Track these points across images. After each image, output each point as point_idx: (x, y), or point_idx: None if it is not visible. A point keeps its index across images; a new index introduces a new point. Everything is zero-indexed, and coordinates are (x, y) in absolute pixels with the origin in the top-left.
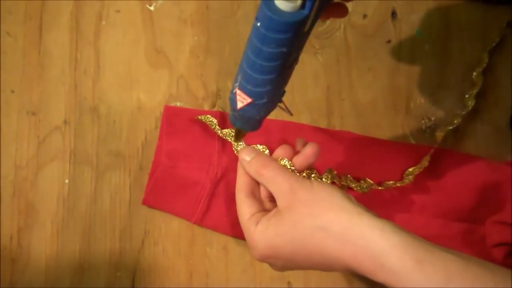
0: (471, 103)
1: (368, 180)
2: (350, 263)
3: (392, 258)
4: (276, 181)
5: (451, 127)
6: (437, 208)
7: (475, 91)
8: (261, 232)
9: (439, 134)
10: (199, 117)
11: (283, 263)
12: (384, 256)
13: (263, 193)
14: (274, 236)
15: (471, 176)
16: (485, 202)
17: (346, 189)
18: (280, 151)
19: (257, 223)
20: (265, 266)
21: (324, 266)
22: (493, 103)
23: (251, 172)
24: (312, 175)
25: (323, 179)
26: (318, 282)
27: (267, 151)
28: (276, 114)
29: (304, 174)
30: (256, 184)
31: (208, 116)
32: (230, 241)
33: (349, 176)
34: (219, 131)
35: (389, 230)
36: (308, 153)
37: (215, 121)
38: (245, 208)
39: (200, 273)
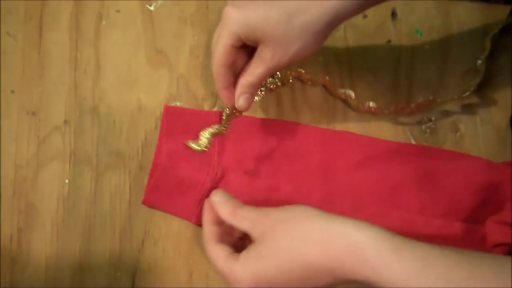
0: (481, 67)
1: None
2: (334, 266)
3: (370, 249)
4: (248, 216)
5: (464, 95)
6: (437, 208)
7: (486, 54)
8: (243, 263)
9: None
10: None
11: None
12: (362, 249)
13: (235, 236)
14: (256, 262)
15: (471, 176)
16: (485, 202)
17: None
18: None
19: (236, 260)
20: None
21: (309, 279)
22: (493, 103)
23: (224, 215)
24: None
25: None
26: None
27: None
28: (276, 114)
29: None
30: (223, 230)
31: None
32: None
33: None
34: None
35: (365, 226)
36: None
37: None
38: (219, 252)
39: (200, 273)
